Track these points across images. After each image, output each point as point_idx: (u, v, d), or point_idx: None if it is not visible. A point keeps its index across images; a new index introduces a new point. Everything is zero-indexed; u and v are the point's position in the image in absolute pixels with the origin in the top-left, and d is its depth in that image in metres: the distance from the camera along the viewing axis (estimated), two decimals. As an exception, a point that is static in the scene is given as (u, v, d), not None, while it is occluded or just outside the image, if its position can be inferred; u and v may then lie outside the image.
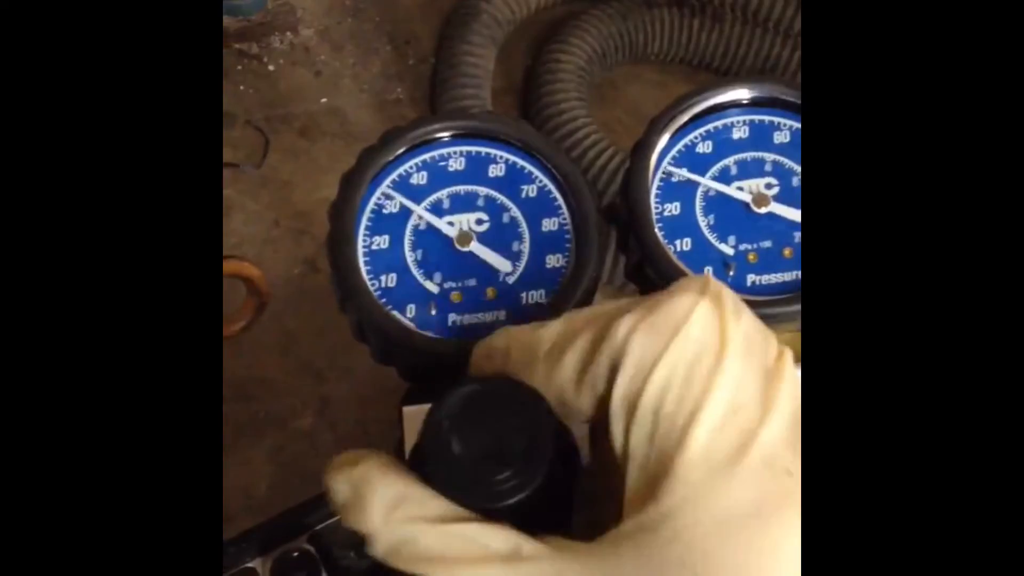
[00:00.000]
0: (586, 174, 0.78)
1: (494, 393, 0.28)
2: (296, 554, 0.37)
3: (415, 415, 0.34)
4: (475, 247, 0.37)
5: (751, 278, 0.38)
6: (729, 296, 0.28)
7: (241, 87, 0.83)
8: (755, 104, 0.41)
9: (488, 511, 0.27)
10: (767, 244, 0.38)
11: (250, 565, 0.37)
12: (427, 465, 0.27)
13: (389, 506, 0.27)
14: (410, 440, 0.35)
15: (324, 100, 0.84)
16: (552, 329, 0.29)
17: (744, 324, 0.28)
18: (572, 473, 0.29)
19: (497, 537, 0.26)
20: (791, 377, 0.27)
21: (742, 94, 0.41)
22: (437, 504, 0.27)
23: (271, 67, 0.85)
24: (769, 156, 0.40)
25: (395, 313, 0.36)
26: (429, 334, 0.36)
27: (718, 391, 0.26)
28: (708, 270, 0.38)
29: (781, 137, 0.40)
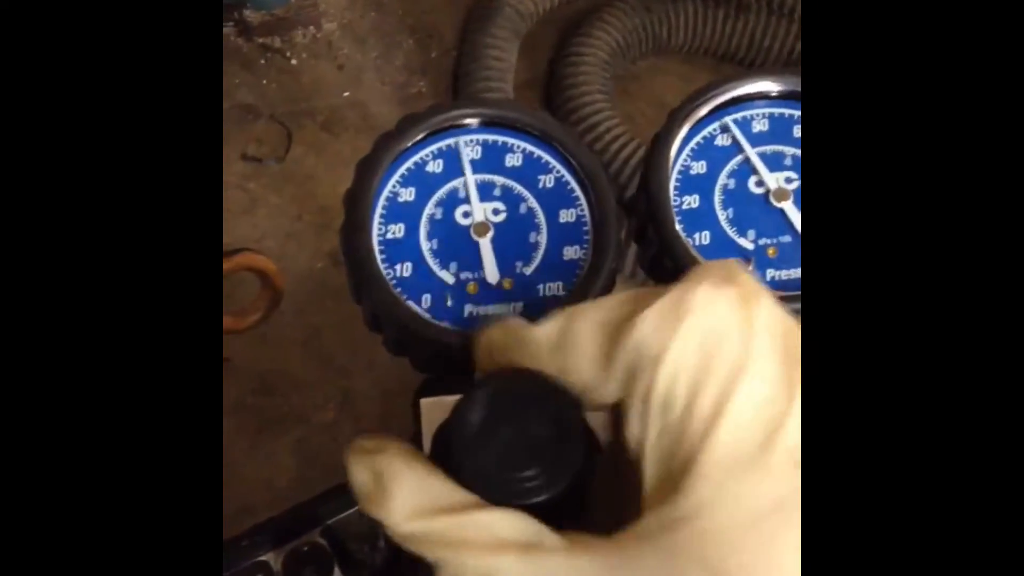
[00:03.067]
0: (609, 167, 0.77)
1: (524, 388, 0.28)
2: (307, 548, 0.37)
3: (432, 407, 0.34)
4: (483, 244, 0.37)
5: (771, 273, 0.37)
6: (750, 282, 0.28)
7: (264, 81, 0.84)
8: (775, 97, 0.40)
9: (512, 507, 0.27)
10: (787, 239, 0.38)
11: (263, 559, 0.37)
12: (453, 459, 0.27)
13: (411, 499, 0.26)
14: (427, 432, 0.35)
15: (347, 94, 0.84)
16: (550, 329, 0.28)
17: (766, 311, 0.27)
18: (592, 469, 0.29)
19: (516, 527, 0.26)
20: None
21: (762, 87, 0.40)
22: (458, 496, 0.26)
23: (294, 61, 0.85)
24: (789, 150, 0.39)
25: (410, 303, 0.36)
26: (445, 325, 0.35)
27: (745, 384, 0.26)
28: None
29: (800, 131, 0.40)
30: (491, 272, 0.37)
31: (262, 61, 0.84)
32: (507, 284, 0.37)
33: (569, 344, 0.28)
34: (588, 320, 0.27)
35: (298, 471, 0.78)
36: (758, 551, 0.24)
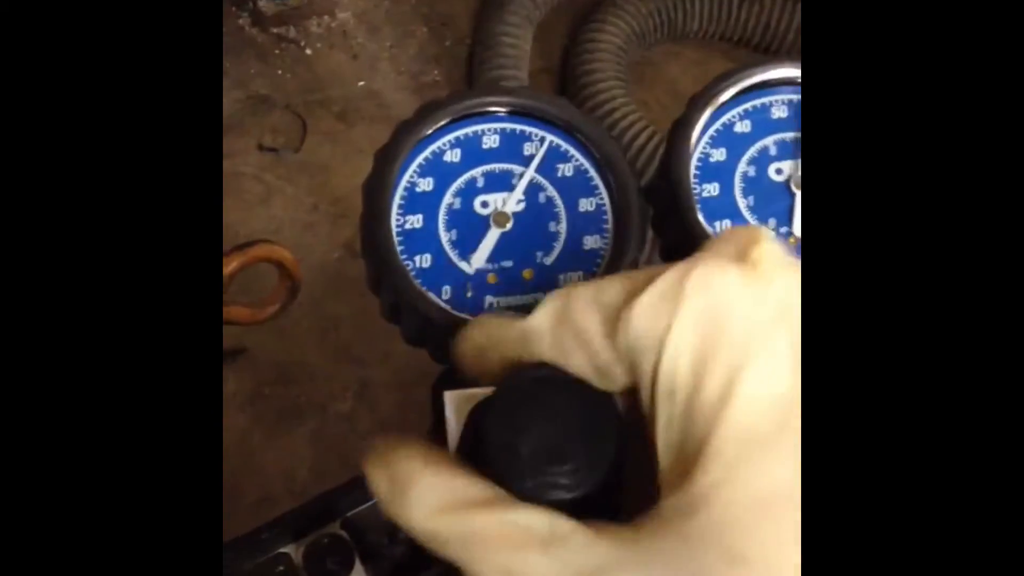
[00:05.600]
0: (624, 155, 0.77)
1: (555, 383, 0.27)
2: (327, 540, 0.37)
3: (458, 399, 0.34)
4: (491, 233, 0.37)
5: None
6: (768, 253, 0.26)
7: (279, 71, 0.83)
8: (796, 83, 0.40)
9: (547, 503, 0.26)
10: None
11: (284, 551, 0.37)
12: (486, 454, 0.27)
13: (430, 497, 0.26)
14: (454, 425, 0.34)
15: (362, 83, 0.84)
16: (543, 315, 0.27)
17: (779, 286, 0.26)
18: (625, 462, 0.29)
19: (535, 519, 0.25)
20: None
21: (784, 73, 0.40)
22: (479, 490, 0.26)
23: (308, 51, 0.85)
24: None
25: (430, 295, 0.35)
26: (466, 316, 0.35)
27: (754, 364, 0.25)
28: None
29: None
30: (478, 257, 0.36)
31: (277, 51, 0.84)
32: (527, 274, 0.37)
33: (567, 327, 0.27)
34: (583, 300, 0.27)
35: (316, 461, 0.78)
36: (774, 533, 0.24)
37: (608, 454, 0.26)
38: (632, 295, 0.26)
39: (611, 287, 0.27)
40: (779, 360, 0.25)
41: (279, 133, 0.82)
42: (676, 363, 0.25)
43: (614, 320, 0.26)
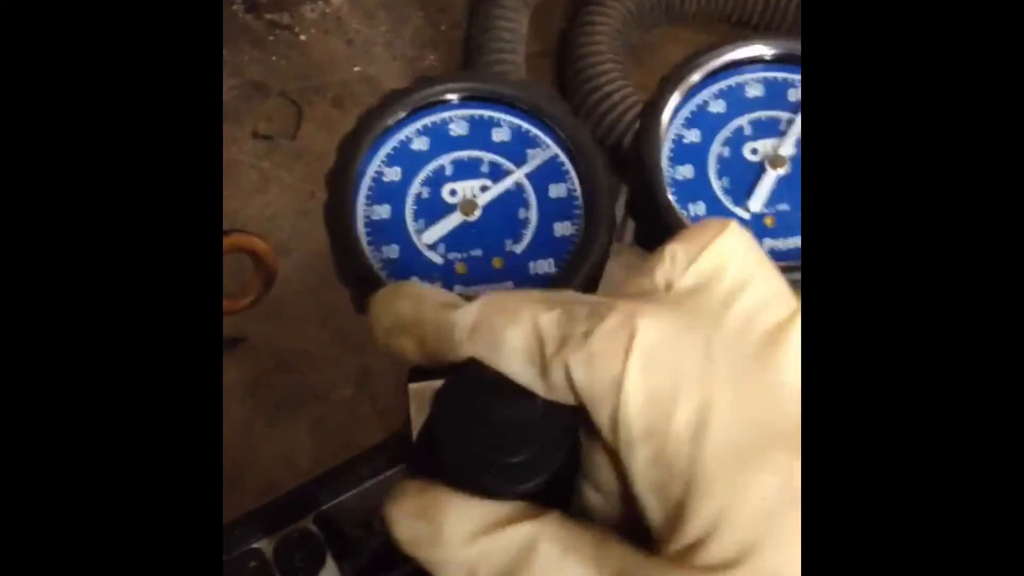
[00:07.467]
0: (623, 139, 0.76)
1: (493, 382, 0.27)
2: (297, 535, 0.37)
3: (422, 392, 0.33)
4: (452, 216, 0.36)
5: (768, 243, 0.36)
6: (733, 260, 0.26)
7: (273, 58, 0.83)
8: (770, 61, 0.39)
9: (504, 496, 0.26)
10: (784, 207, 0.37)
11: (256, 546, 0.37)
12: (438, 449, 0.26)
13: (462, 525, 0.25)
14: (417, 419, 0.34)
15: (357, 69, 0.83)
16: (465, 318, 0.27)
17: (741, 304, 0.26)
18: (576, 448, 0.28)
19: (570, 528, 0.25)
20: (794, 346, 0.26)
21: (756, 51, 0.39)
22: (505, 510, 0.25)
23: (303, 37, 0.84)
24: (785, 115, 0.38)
25: (396, 285, 0.35)
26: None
27: (720, 391, 0.24)
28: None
29: (797, 95, 0.38)
30: (431, 235, 0.36)
31: (271, 37, 0.84)
32: (497, 263, 0.36)
33: (490, 338, 0.26)
34: (511, 315, 0.26)
35: (317, 449, 0.78)
36: (786, 538, 0.24)
37: (564, 434, 0.26)
38: (568, 331, 0.25)
39: (547, 314, 0.26)
40: (741, 379, 0.25)
41: (274, 120, 0.81)
42: (640, 405, 0.25)
43: (540, 348, 0.25)
